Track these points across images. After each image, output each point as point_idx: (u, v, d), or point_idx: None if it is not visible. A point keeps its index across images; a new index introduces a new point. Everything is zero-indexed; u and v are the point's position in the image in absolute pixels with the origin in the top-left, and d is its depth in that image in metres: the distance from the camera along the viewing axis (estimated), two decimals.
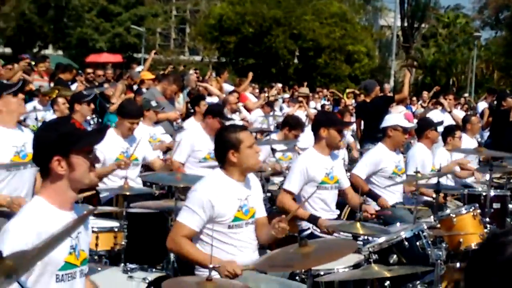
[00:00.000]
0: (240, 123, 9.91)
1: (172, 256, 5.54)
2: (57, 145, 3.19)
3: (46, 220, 3.13)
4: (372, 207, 6.59)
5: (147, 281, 4.58)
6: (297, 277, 4.64)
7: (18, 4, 39.94)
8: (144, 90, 11.63)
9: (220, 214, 4.55)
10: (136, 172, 7.18)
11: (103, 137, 3.44)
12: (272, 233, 4.57)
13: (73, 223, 2.36)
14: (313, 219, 5.98)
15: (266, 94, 17.13)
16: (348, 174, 8.10)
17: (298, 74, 36.29)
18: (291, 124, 9.19)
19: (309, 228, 6.12)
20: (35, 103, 10.38)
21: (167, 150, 9.03)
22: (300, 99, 16.05)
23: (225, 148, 4.66)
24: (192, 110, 10.69)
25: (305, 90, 18.92)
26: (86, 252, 3.41)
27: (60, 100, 9.16)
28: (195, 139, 7.88)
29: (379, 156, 7.30)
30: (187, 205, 4.57)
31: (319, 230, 5.99)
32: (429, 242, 4.91)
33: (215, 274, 3.52)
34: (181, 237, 4.50)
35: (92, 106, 8.88)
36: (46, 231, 3.00)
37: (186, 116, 12.20)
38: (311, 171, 6.13)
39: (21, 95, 5.70)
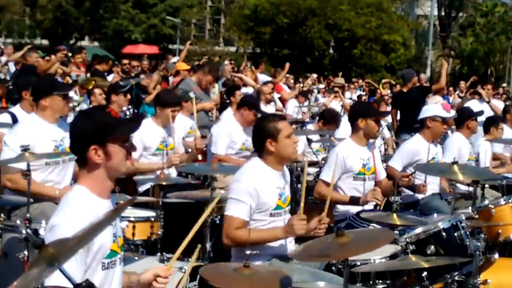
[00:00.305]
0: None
1: (208, 245, 5.57)
2: (93, 134, 3.21)
3: (90, 209, 3.14)
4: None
5: (183, 270, 4.60)
6: (333, 267, 4.62)
7: None
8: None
9: (263, 202, 4.58)
10: None
11: (139, 126, 3.45)
12: (313, 234, 4.59)
13: (112, 212, 2.38)
14: (355, 200, 5.96)
15: (301, 85, 17.12)
16: (384, 165, 8.06)
17: (333, 64, 36.09)
18: (326, 119, 9.17)
19: (346, 219, 6.10)
20: (72, 93, 10.46)
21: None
22: (336, 89, 15.99)
23: (263, 137, 4.67)
24: (227, 101, 10.70)
25: (340, 80, 18.86)
26: (122, 238, 3.45)
27: (97, 91, 9.22)
28: (232, 130, 7.91)
29: (416, 147, 7.21)
30: (233, 197, 4.57)
31: (356, 220, 5.98)
32: (467, 233, 4.84)
33: (253, 260, 3.54)
34: (235, 231, 4.48)
35: (129, 96, 8.95)
36: (92, 220, 3.02)
37: (221, 106, 12.23)
38: (348, 161, 6.12)
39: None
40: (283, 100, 14.07)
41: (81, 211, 3.13)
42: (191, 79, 11.11)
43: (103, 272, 3.21)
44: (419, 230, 4.75)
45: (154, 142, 6.98)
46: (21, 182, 4.99)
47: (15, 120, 6.98)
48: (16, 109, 7.30)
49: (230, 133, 7.91)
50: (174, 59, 15.78)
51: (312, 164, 8.41)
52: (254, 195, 4.53)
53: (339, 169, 6.08)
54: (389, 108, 12.68)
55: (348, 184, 6.15)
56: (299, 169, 7.86)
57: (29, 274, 2.12)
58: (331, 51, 38.92)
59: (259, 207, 4.57)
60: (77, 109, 9.19)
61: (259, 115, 7.92)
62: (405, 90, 12.02)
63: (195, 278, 4.70)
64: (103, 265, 3.21)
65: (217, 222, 6.07)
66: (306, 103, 14.64)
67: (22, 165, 5.04)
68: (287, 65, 15.15)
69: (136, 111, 11.07)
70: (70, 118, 8.67)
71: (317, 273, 4.51)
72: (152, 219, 5.50)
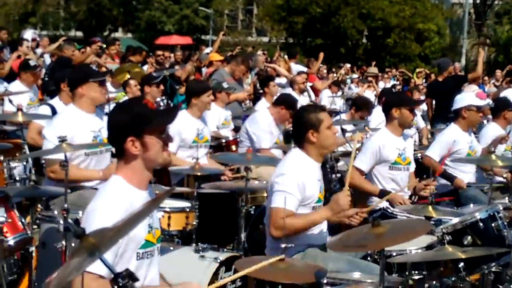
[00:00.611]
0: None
1: (243, 236, 5.59)
2: (130, 126, 3.23)
3: (128, 199, 3.19)
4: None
5: (218, 260, 4.62)
6: (369, 258, 4.61)
7: None
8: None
9: (308, 196, 4.59)
10: (205, 152, 7.24)
11: (175, 117, 3.47)
12: (346, 221, 4.61)
13: (151, 202, 2.39)
14: (383, 195, 5.93)
15: (335, 75, 17.04)
16: (419, 155, 8.00)
17: (367, 54, 35.87)
18: (358, 105, 9.16)
19: (380, 209, 6.07)
20: (107, 85, 10.51)
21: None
22: (369, 78, 15.92)
23: (304, 127, 4.66)
24: (261, 91, 10.70)
25: (374, 69, 18.76)
26: (159, 230, 3.48)
27: (132, 82, 9.28)
28: (270, 124, 7.93)
29: (453, 137, 7.13)
30: (280, 189, 4.53)
31: (390, 210, 5.95)
32: (505, 223, 4.79)
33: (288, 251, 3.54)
34: (283, 220, 4.44)
35: (162, 87, 8.98)
36: (130, 208, 3.05)
37: (254, 96, 12.24)
38: (385, 151, 6.09)
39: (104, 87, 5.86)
40: (315, 90, 14.03)
41: (115, 199, 3.18)
42: (224, 70, 11.14)
43: (137, 262, 3.24)
44: (455, 220, 4.72)
45: (190, 135, 7.02)
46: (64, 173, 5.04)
47: (54, 112, 7.07)
48: (55, 101, 7.40)
49: (269, 127, 7.91)
50: (207, 50, 15.81)
51: (345, 154, 8.38)
52: (302, 188, 4.54)
53: (373, 159, 6.06)
54: (423, 97, 12.60)
55: (384, 173, 6.13)
56: (333, 159, 7.84)
57: (70, 263, 2.15)
58: (364, 40, 38.65)
59: (303, 201, 4.57)
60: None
61: None
62: (440, 79, 11.91)
63: (230, 269, 4.72)
64: (137, 255, 3.24)
65: (252, 212, 6.09)
66: (339, 93, 14.58)
67: (62, 156, 5.08)
68: (321, 55, 15.07)
69: (170, 102, 11.13)
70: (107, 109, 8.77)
71: (353, 261, 4.50)
72: (187, 209, 5.53)
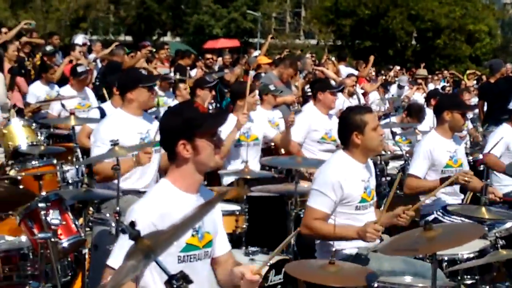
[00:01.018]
0: None
1: (292, 239, 5.57)
2: (181, 130, 3.26)
3: (170, 202, 3.22)
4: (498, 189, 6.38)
5: (268, 264, 4.62)
6: None
7: None
8: (263, 74, 11.69)
9: (348, 195, 4.54)
10: (256, 154, 7.23)
11: (226, 120, 3.51)
12: (395, 222, 4.47)
13: (204, 205, 2.41)
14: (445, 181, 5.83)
15: (384, 77, 16.94)
16: (471, 158, 7.88)
17: (416, 56, 35.54)
18: (410, 112, 9.08)
19: (432, 213, 5.99)
20: (155, 88, 10.62)
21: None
22: (419, 81, 15.80)
23: (349, 129, 4.63)
24: (309, 94, 10.66)
25: (423, 71, 18.60)
26: (212, 235, 3.45)
27: (182, 85, 9.36)
28: (312, 119, 7.85)
29: (509, 136, 7.03)
30: (315, 188, 4.57)
31: (443, 215, 5.87)
32: None
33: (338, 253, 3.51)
34: (313, 221, 4.49)
35: (213, 93, 9.00)
36: (170, 212, 3.08)
37: (302, 99, 12.21)
38: (436, 154, 6.01)
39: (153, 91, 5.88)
40: (365, 92, 13.96)
41: (156, 200, 3.23)
42: (272, 73, 11.14)
43: (179, 265, 3.23)
44: (509, 224, 4.65)
45: (237, 135, 7.02)
46: (106, 171, 5.09)
47: (103, 115, 7.16)
48: (106, 105, 7.51)
49: (309, 121, 7.80)
50: (255, 53, 15.84)
51: (396, 157, 8.32)
52: (337, 188, 4.50)
53: (427, 162, 5.98)
54: (473, 99, 12.44)
55: (437, 177, 6.02)
56: (382, 162, 7.78)
57: (125, 266, 2.17)
58: (413, 42, 38.31)
59: (344, 200, 4.54)
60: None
61: (337, 94, 7.88)
62: (492, 80, 11.74)
63: (280, 272, 4.72)
64: (179, 258, 3.25)
65: (301, 216, 6.07)
66: (387, 96, 14.48)
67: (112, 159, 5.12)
68: (372, 58, 14.96)
69: (218, 105, 11.18)
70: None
71: (408, 261, 4.46)
72: (237, 212, 5.54)
